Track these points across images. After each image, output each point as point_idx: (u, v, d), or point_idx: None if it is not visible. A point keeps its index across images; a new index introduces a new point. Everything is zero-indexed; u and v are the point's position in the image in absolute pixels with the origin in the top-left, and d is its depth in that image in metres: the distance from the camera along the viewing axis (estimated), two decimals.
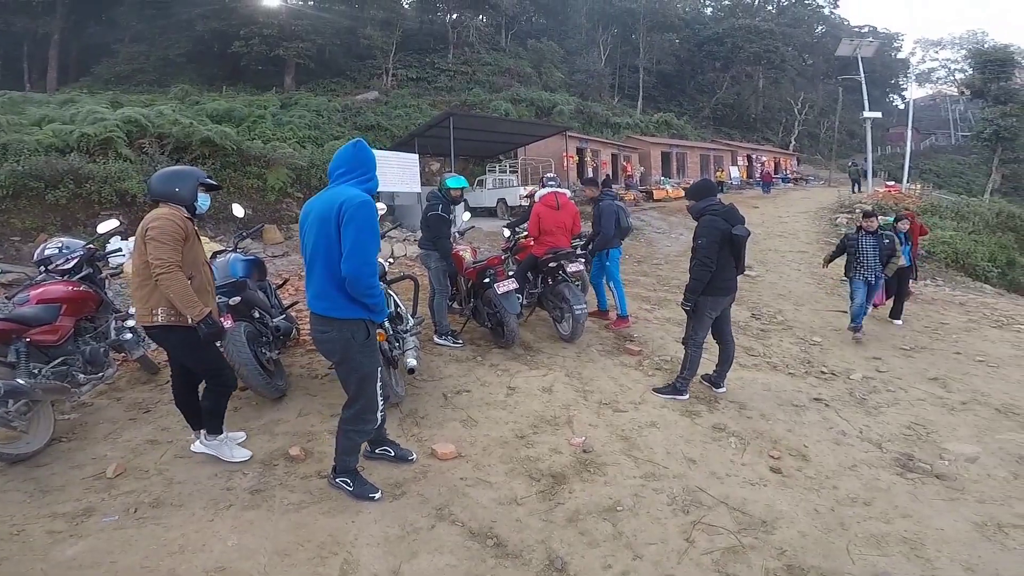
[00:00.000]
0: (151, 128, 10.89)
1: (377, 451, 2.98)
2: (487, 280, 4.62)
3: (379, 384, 2.58)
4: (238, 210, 4.46)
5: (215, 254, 4.31)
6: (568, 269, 4.99)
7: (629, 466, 3.07)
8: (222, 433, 2.93)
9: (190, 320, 2.56)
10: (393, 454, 2.99)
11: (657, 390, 4.08)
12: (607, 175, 18.81)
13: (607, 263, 5.54)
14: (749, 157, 33.09)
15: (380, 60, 28.08)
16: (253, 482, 2.78)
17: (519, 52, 35.62)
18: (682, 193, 20.14)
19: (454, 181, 4.86)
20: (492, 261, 4.73)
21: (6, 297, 3.53)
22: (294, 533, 2.40)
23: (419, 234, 5.12)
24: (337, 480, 2.66)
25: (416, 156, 12.20)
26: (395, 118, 22.73)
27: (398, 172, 11.01)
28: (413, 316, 4.07)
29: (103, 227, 3.85)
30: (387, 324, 3.39)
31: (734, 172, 29.11)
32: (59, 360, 3.15)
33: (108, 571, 2.18)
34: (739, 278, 4.02)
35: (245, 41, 24.03)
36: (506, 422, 3.50)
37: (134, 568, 2.19)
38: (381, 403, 2.62)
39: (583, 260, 5.34)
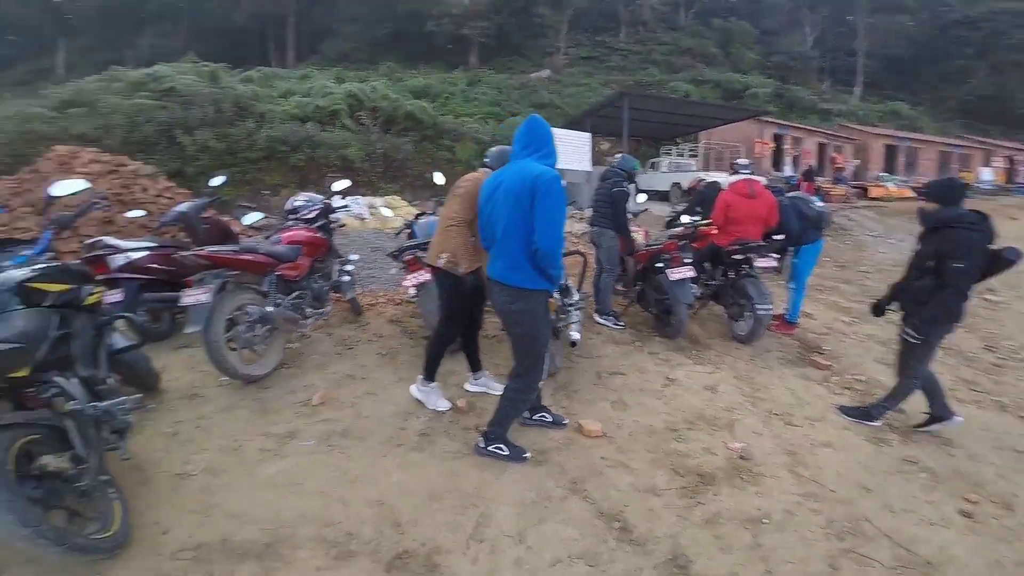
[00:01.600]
0: (367, 102, 12.52)
1: (534, 417, 3.08)
2: (660, 265, 4.48)
3: (551, 354, 2.69)
4: (439, 178, 4.95)
5: (418, 215, 4.85)
6: (757, 264, 4.60)
7: (789, 481, 2.80)
8: (435, 381, 3.23)
9: (461, 270, 2.93)
10: (550, 419, 3.10)
11: (843, 409, 3.60)
12: (809, 166, 16.67)
13: (795, 260, 4.99)
14: (1011, 159, 26.68)
15: (552, 38, 28.38)
16: (423, 426, 3.01)
17: (701, 31, 33.15)
18: (907, 193, 17.02)
19: (631, 162, 4.85)
20: (668, 246, 4.55)
21: (264, 237, 4.37)
22: (446, 480, 2.56)
23: (587, 212, 5.14)
24: (490, 448, 2.75)
25: (589, 135, 12.16)
26: (567, 96, 22.83)
27: (569, 150, 11.11)
28: (579, 292, 4.13)
29: (337, 186, 4.58)
30: (556, 295, 3.47)
31: (986, 174, 23.52)
32: (296, 294, 3.80)
33: (297, 491, 2.45)
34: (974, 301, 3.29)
35: (437, 21, 26.01)
36: (658, 412, 3.41)
37: (316, 492, 2.45)
38: (545, 372, 2.72)
39: (777, 256, 4.87)
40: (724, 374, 4.04)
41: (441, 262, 3.00)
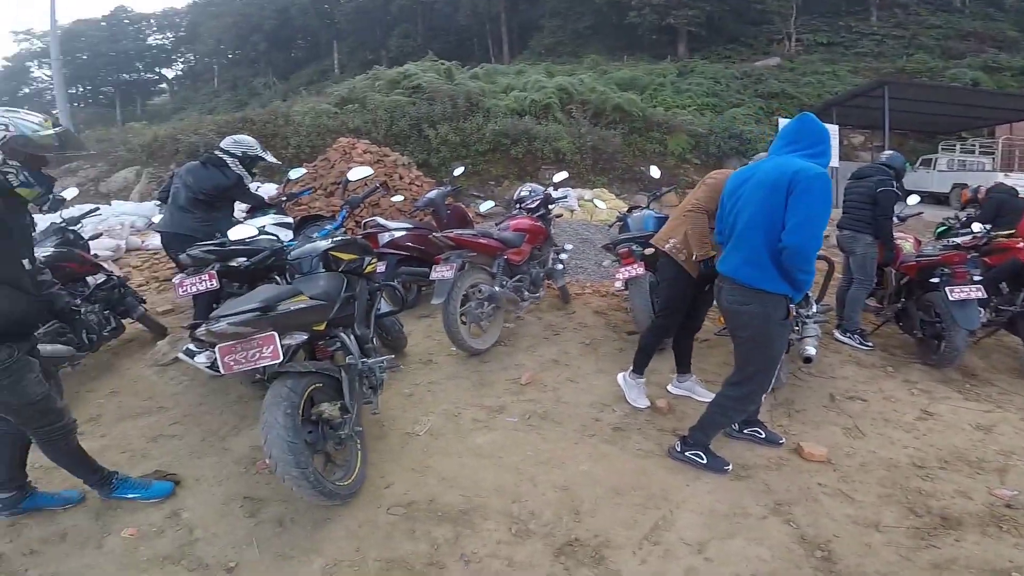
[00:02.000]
0: (576, 95, 12.78)
1: (746, 431, 2.83)
2: (935, 280, 3.66)
3: (778, 367, 2.42)
4: (655, 171, 4.81)
5: (630, 208, 4.79)
6: None
7: None
8: (643, 376, 3.18)
9: (683, 257, 2.87)
10: (763, 436, 2.81)
11: None
12: None
13: None
14: None
15: (779, 25, 25.36)
16: (618, 420, 2.97)
17: (989, 13, 26.01)
18: None
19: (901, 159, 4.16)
20: (950, 258, 3.69)
21: (495, 224, 4.78)
22: (633, 476, 2.51)
23: (834, 212, 4.42)
24: (687, 454, 2.59)
25: (835, 127, 10.57)
26: (803, 85, 20.15)
27: None
28: (818, 303, 3.61)
29: (557, 177, 4.78)
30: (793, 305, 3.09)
31: None
32: (517, 277, 4.09)
33: (495, 464, 2.58)
34: None
35: (638, 11, 24.98)
36: (905, 446, 2.87)
37: (511, 467, 2.55)
38: (770, 386, 2.46)
39: None
40: (1007, 415, 3.24)
41: (668, 246, 2.91)
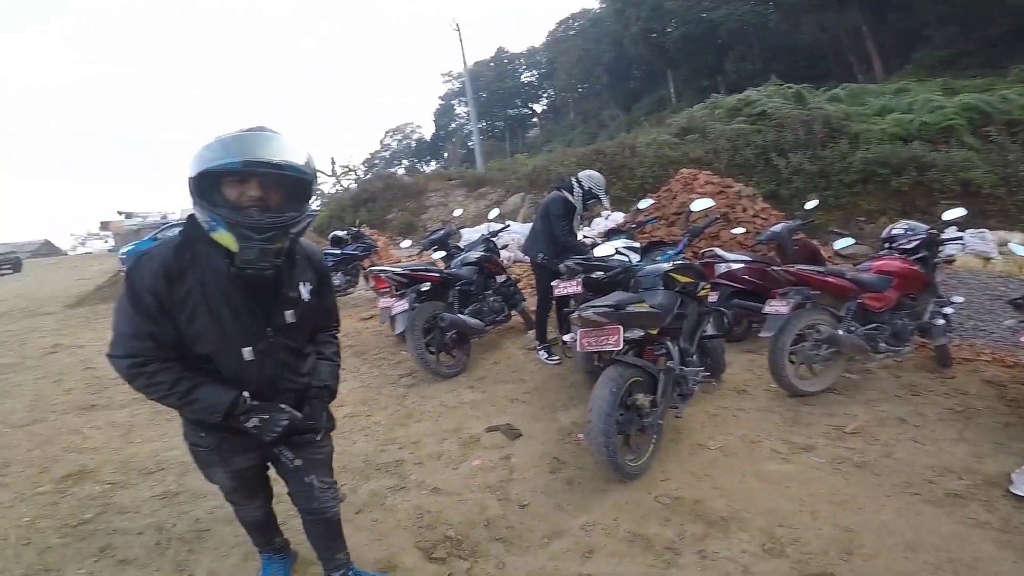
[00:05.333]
0: (996, 115, 9.83)
1: None
2: None
3: None
4: None
5: None
6: None
7: None
8: None
9: None
10: None
11: None
12: None
13: None
14: None
15: None
16: (961, 488, 2.52)
17: None
18: None
19: None
20: None
21: (854, 264, 4.28)
22: (943, 539, 2.18)
23: None
24: None
25: None
26: None
27: None
28: None
29: (949, 215, 3.93)
30: None
31: None
32: (873, 325, 3.60)
33: (778, 490, 2.55)
34: None
35: None
36: None
37: (794, 497, 2.48)
38: None
39: None
40: None
41: None
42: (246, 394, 1.52)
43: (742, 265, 4.42)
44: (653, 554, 2.17)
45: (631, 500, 2.54)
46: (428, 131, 61.08)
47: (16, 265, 23.01)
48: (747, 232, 5.59)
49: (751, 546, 2.18)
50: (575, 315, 2.74)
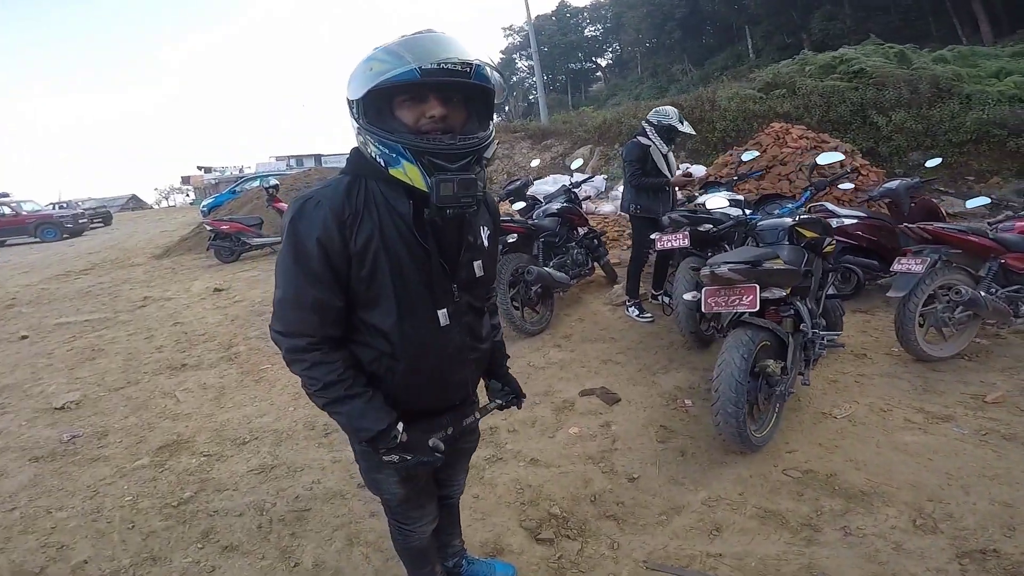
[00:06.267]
0: None
1: None
2: None
3: None
4: None
5: None
6: None
7: None
8: None
9: None
10: None
11: None
12: None
13: None
14: None
15: None
16: None
17: None
18: None
19: None
20: None
21: (989, 222, 3.89)
22: None
23: None
24: None
25: None
26: None
27: None
28: None
29: None
30: None
31: None
32: (1016, 287, 3.28)
33: (921, 463, 2.35)
34: None
35: None
36: None
37: (940, 471, 2.29)
38: None
39: None
40: None
41: None
42: (400, 426, 1.21)
43: (856, 221, 4.10)
44: (790, 531, 2.03)
45: (756, 473, 2.36)
46: None
47: (107, 219, 24.60)
48: (855, 188, 5.16)
49: (900, 522, 2.03)
50: (706, 271, 2.46)
